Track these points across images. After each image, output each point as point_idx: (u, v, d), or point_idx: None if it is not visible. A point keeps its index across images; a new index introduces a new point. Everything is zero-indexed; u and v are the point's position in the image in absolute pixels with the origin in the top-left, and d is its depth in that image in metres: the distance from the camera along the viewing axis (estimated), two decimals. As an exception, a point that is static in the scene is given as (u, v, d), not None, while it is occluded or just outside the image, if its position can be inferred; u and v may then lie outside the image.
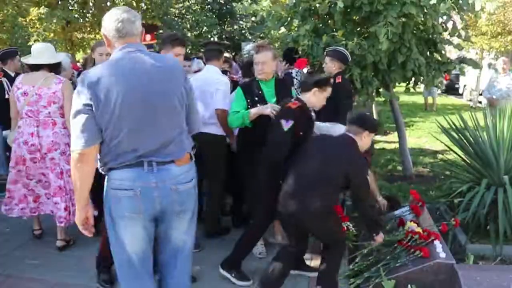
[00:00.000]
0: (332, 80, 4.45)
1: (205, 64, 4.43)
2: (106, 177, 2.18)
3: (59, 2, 15.10)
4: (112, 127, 2.05)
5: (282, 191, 2.94)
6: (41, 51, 3.77)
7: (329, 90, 3.28)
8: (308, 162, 2.90)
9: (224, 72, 5.40)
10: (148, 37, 2.64)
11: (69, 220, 3.73)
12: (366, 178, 2.91)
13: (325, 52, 4.50)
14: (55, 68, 3.82)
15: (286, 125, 3.07)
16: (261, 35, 22.63)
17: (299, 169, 2.91)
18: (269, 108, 3.37)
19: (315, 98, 3.22)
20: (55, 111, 3.67)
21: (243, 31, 24.51)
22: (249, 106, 3.54)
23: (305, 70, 5.47)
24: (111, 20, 2.12)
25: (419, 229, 3.42)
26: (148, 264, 2.22)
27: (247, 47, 10.43)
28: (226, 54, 8.60)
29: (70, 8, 16.17)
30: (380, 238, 3.13)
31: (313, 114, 3.44)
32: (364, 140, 2.98)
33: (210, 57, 4.12)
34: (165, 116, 2.13)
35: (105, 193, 2.18)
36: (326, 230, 2.99)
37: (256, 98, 3.54)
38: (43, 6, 13.36)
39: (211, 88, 3.80)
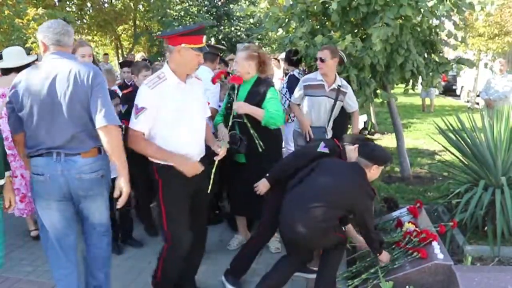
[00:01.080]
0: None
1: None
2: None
3: (57, 4, 15.09)
4: (26, 120, 2.50)
5: (284, 207, 2.94)
6: (9, 55, 3.97)
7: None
8: (316, 182, 2.91)
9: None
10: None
11: None
12: (370, 208, 2.95)
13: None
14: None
15: (322, 148, 3.20)
16: (259, 37, 22.65)
17: (306, 188, 2.91)
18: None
19: (353, 154, 3.26)
20: None
21: (240, 33, 24.51)
22: (228, 105, 3.64)
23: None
24: (52, 31, 2.55)
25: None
26: (66, 243, 2.63)
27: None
28: (231, 56, 8.53)
29: (68, 9, 16.16)
30: (385, 257, 3.17)
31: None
32: (372, 172, 3.01)
33: (204, 59, 4.27)
34: (69, 116, 2.48)
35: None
36: (325, 246, 3.02)
37: (231, 99, 3.63)
38: (40, 8, 13.35)
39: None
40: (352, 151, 3.25)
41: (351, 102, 4.23)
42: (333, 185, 2.87)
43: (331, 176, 2.92)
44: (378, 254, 3.14)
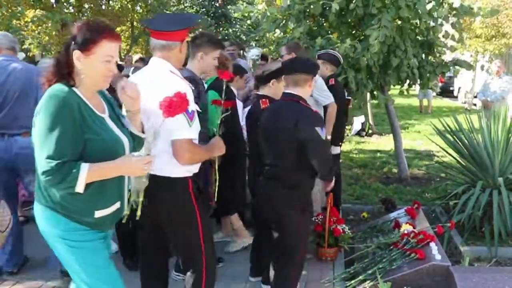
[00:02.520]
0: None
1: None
2: None
3: (54, 5, 15.08)
4: None
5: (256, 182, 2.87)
6: None
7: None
8: (264, 141, 2.79)
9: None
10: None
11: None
12: (314, 135, 2.58)
13: (316, 55, 4.49)
14: None
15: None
16: (256, 38, 22.66)
17: (262, 155, 2.82)
18: None
19: (275, 89, 3.16)
20: None
21: (239, 34, 24.54)
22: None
23: None
24: (8, 39, 3.42)
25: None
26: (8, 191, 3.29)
27: (252, 52, 10.44)
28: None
29: (66, 11, 16.14)
30: (330, 184, 2.82)
31: None
32: (311, 86, 2.73)
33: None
34: (18, 105, 3.23)
35: None
36: (291, 221, 2.71)
37: None
38: (38, 9, 13.34)
39: None
40: (271, 88, 3.15)
41: (318, 95, 4.03)
42: (278, 127, 2.66)
43: (273, 122, 2.72)
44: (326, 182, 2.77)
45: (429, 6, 4.73)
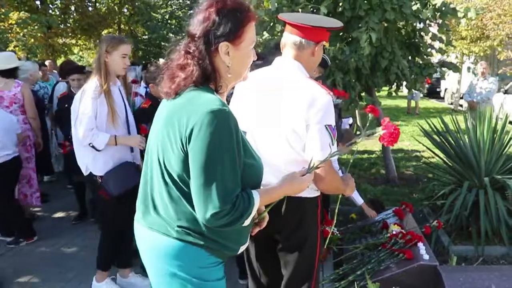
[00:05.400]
0: None
1: None
2: None
3: (39, 7, 14.92)
4: None
5: None
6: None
7: None
8: None
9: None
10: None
11: (26, 200, 4.34)
12: None
13: None
14: (9, 73, 4.23)
15: None
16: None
17: None
18: None
19: None
20: (16, 109, 4.30)
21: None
22: None
23: None
24: None
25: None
26: None
27: None
28: None
29: (51, 12, 15.99)
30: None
31: None
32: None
33: None
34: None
35: None
36: None
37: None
38: (23, 11, 13.19)
39: None
40: None
41: None
42: None
43: None
44: None
45: (414, 8, 4.77)
